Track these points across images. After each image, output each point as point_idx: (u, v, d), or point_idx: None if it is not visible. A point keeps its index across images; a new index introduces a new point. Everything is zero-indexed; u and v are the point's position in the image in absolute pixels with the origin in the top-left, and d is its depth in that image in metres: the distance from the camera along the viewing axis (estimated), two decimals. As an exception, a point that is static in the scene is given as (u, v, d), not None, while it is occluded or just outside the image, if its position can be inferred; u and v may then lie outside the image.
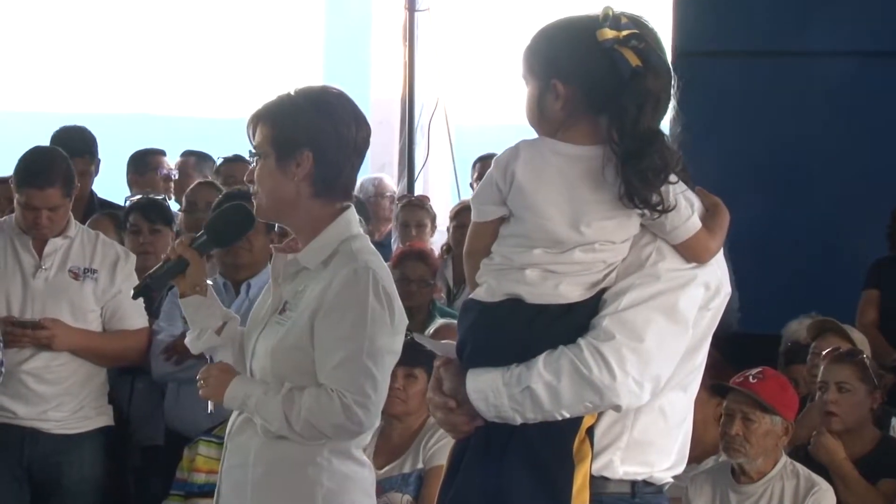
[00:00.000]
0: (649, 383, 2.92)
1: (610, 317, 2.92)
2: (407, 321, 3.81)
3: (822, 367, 5.79)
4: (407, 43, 9.71)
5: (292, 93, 3.77)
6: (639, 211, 2.94)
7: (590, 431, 2.96)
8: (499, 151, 2.93)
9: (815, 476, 5.30)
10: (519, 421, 2.94)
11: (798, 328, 6.78)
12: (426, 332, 5.89)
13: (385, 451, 5.30)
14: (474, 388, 2.96)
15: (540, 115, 3.03)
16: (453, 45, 10.23)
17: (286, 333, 3.71)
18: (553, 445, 2.94)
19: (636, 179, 2.90)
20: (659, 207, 2.92)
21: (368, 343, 3.64)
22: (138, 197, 7.05)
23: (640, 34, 2.95)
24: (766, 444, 5.25)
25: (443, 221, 8.28)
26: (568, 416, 2.92)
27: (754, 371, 5.32)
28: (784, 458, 5.33)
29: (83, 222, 6.08)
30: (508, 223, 3.01)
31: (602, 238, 2.95)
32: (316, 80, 11.32)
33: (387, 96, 11.01)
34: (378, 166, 10.78)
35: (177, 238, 5.03)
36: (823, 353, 6.01)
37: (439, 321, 6.18)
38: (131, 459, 6.13)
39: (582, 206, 2.94)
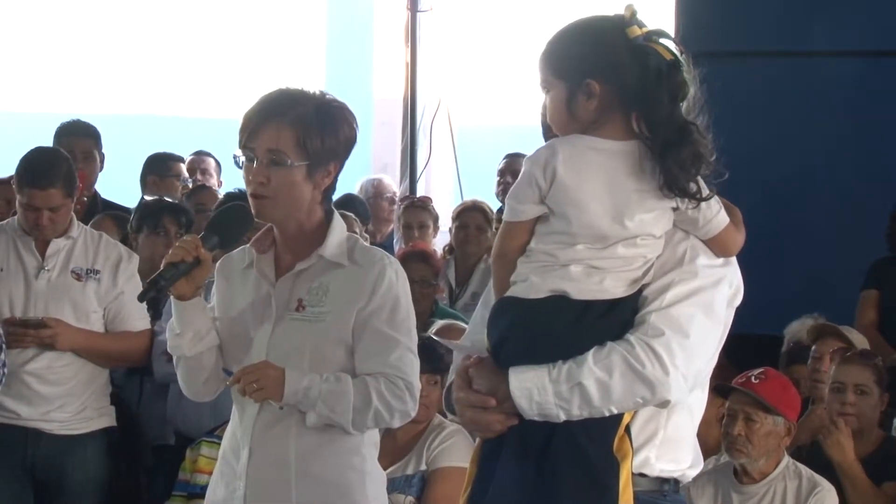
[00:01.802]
0: (692, 379, 2.98)
1: (656, 313, 2.95)
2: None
3: (835, 368, 5.79)
4: (409, 43, 9.71)
5: (317, 94, 3.81)
6: (674, 204, 2.99)
7: (627, 429, 2.99)
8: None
9: (817, 476, 5.31)
10: (563, 418, 2.95)
11: (800, 329, 6.78)
12: (427, 333, 5.90)
13: (389, 451, 5.29)
14: (518, 385, 2.96)
15: (570, 117, 3.03)
16: (455, 45, 10.22)
17: (328, 328, 3.77)
18: (597, 443, 2.96)
19: (676, 168, 2.95)
20: (697, 196, 2.97)
21: (413, 333, 3.84)
22: (157, 198, 6.90)
23: (661, 31, 3.01)
24: (769, 445, 5.26)
25: (445, 222, 8.29)
26: (615, 411, 2.95)
27: (756, 371, 5.32)
28: (786, 459, 5.33)
29: (86, 221, 6.08)
30: (548, 221, 3.02)
31: (643, 232, 2.99)
32: (319, 80, 11.33)
33: (389, 97, 11.01)
34: (380, 167, 10.79)
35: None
36: (829, 353, 6.01)
37: (440, 322, 6.19)
38: (142, 459, 6.14)
39: (624, 199, 2.98)
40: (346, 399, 3.73)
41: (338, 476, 3.81)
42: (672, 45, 2.99)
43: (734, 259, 3.10)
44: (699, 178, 2.99)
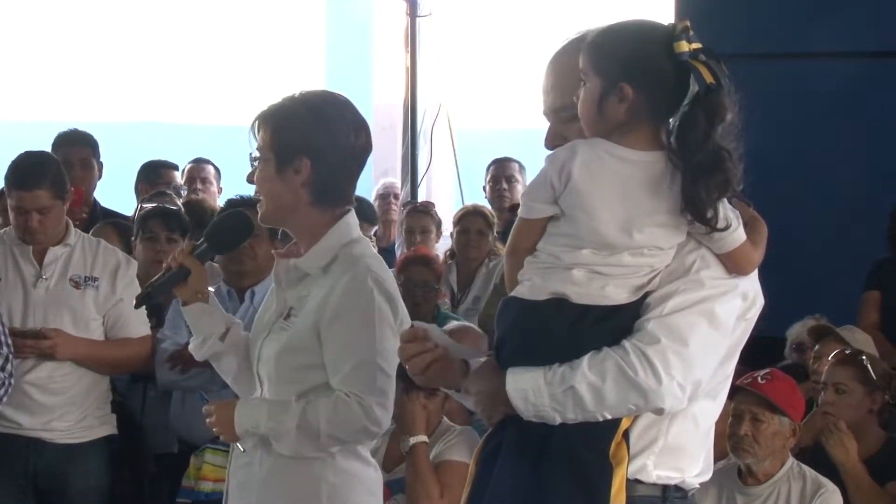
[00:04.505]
0: (690, 388, 2.95)
1: (655, 320, 2.94)
2: (411, 323, 3.82)
3: (825, 370, 5.82)
4: (408, 48, 9.71)
5: (296, 96, 3.78)
6: (689, 219, 2.96)
7: (626, 435, 2.98)
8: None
9: (821, 478, 5.30)
10: (558, 421, 2.95)
11: (802, 330, 6.78)
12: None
13: (396, 454, 5.31)
14: (514, 386, 2.96)
15: (598, 115, 3.01)
16: (455, 50, 10.23)
17: (290, 337, 3.74)
18: (592, 447, 2.96)
19: (702, 193, 2.92)
20: (712, 223, 2.95)
21: (379, 344, 3.68)
22: (154, 205, 6.94)
23: (709, 50, 2.98)
24: (775, 445, 5.25)
25: (446, 227, 8.29)
26: (610, 417, 2.94)
27: (762, 372, 5.32)
28: (790, 460, 5.32)
29: (88, 230, 6.06)
30: (558, 222, 3.01)
31: (651, 244, 2.97)
32: (318, 85, 11.30)
33: (389, 102, 11.01)
34: (381, 172, 10.78)
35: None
36: (827, 357, 6.01)
37: (454, 323, 6.18)
38: (146, 467, 6.13)
39: (636, 211, 2.96)
40: (289, 436, 3.68)
41: (295, 482, 3.75)
42: (717, 68, 2.96)
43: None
44: (721, 202, 2.97)
